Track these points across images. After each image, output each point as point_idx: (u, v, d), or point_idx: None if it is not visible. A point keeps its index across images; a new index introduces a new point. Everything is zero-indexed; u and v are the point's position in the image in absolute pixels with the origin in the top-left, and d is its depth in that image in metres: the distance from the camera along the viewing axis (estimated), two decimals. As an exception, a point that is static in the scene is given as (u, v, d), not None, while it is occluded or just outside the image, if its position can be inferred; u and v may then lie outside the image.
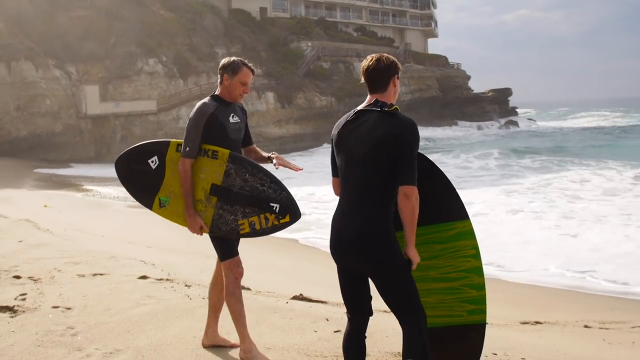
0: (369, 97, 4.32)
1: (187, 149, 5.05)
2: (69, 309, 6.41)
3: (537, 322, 8.49)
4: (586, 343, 7.19)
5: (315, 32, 72.53)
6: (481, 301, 4.50)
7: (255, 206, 4.99)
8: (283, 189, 5.02)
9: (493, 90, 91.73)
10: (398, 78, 4.37)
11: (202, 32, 60.16)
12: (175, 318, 5.86)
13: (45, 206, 18.87)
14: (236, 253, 5.14)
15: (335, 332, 5.45)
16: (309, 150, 57.01)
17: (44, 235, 11.33)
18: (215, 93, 5.32)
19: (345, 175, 4.22)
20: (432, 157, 4.61)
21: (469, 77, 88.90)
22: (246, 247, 14.58)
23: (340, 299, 7.42)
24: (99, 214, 19.14)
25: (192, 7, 61.54)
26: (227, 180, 5.05)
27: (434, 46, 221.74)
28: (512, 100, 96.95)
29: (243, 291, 7.61)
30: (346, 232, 4.06)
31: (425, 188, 4.27)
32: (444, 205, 4.46)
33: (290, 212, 4.97)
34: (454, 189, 4.50)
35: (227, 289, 5.11)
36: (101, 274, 7.88)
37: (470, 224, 4.46)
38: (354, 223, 4.04)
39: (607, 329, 8.61)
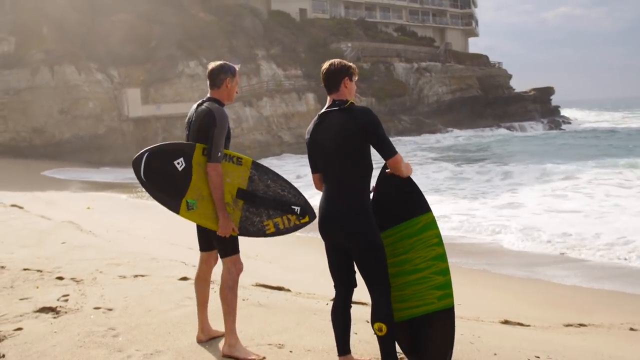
0: (328, 98, 4.99)
1: (219, 154, 5.18)
2: (110, 310, 6.45)
3: (581, 325, 8.36)
4: (632, 346, 7.06)
5: (355, 32, 72.56)
6: (447, 286, 4.81)
7: (279, 209, 5.37)
8: (300, 194, 5.48)
9: (535, 89, 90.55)
10: (351, 80, 4.96)
11: (242, 34, 60.51)
12: (214, 319, 5.86)
13: (89, 208, 19.09)
14: (239, 249, 5.37)
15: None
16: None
17: (86, 237, 11.45)
18: (212, 96, 5.45)
19: (325, 171, 4.91)
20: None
21: (510, 76, 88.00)
22: (286, 249, 14.66)
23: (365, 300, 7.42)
24: (141, 215, 19.30)
25: (232, 9, 61.94)
26: (252, 185, 5.33)
27: (475, 45, 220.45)
28: (555, 99, 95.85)
29: (282, 292, 7.64)
30: (331, 215, 4.78)
31: (390, 192, 4.95)
32: (409, 204, 4.92)
33: (309, 214, 5.44)
34: (415, 185, 4.95)
35: (226, 284, 5.29)
36: (142, 276, 7.92)
37: (432, 214, 4.89)
38: (338, 207, 4.76)
39: None
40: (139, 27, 52.90)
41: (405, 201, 4.89)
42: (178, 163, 5.21)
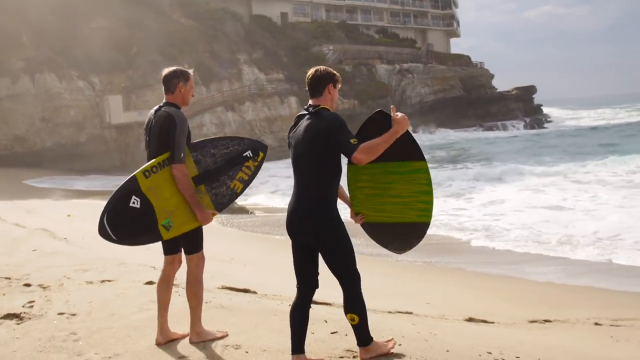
0: (309, 101, 5.23)
1: (182, 155, 5.35)
2: (74, 315, 6.49)
3: (546, 321, 8.45)
4: (592, 340, 7.17)
5: (336, 35, 72.75)
6: (428, 210, 5.24)
7: (235, 165, 5.59)
8: (242, 138, 5.75)
9: (517, 89, 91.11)
10: (335, 87, 5.20)
11: (224, 39, 60.54)
12: (175, 322, 5.90)
13: (69, 215, 19.07)
14: (203, 245, 5.65)
15: (332, 333, 5.48)
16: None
17: (58, 244, 11.48)
18: (168, 101, 5.58)
19: (295, 170, 5.12)
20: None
21: (492, 76, 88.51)
22: (263, 251, 14.71)
23: (339, 302, 7.50)
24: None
25: (213, 14, 61.99)
26: (200, 166, 5.50)
27: (457, 46, 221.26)
28: (538, 98, 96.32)
29: (248, 295, 7.71)
30: (298, 214, 4.99)
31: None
32: (405, 149, 5.15)
33: (260, 149, 5.74)
34: (411, 136, 5.18)
35: (195, 278, 5.55)
36: (109, 281, 7.96)
37: (426, 163, 5.21)
38: (304, 207, 4.97)
39: (618, 326, 8.55)
40: (119, 33, 52.79)
41: (401, 145, 5.06)
42: (133, 202, 5.30)
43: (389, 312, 7.18)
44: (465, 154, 52.50)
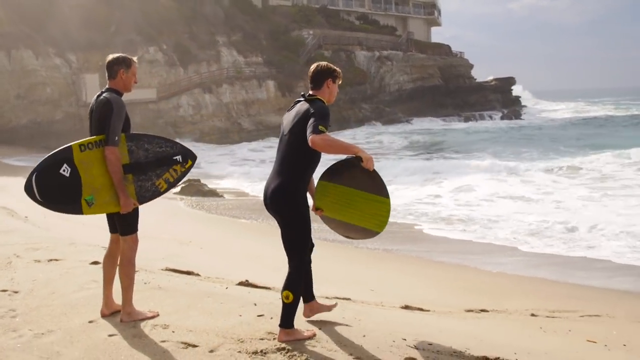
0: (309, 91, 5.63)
1: (116, 138, 5.55)
2: (16, 292, 6.65)
3: (482, 310, 8.70)
4: (517, 331, 7.40)
5: (316, 20, 72.67)
6: (383, 224, 5.58)
7: (164, 165, 5.81)
8: (176, 143, 5.98)
9: (496, 79, 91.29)
10: (334, 82, 5.62)
11: (203, 21, 60.36)
12: (115, 300, 6.08)
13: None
14: (137, 228, 5.80)
15: (258, 316, 5.66)
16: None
17: (16, 223, 11.59)
18: (110, 87, 5.76)
19: (277, 149, 5.54)
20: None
21: (471, 66, 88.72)
22: (224, 234, 14.83)
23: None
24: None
25: (193, -5, 61.70)
26: (132, 156, 5.69)
27: (438, 35, 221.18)
28: (518, 90, 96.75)
29: (189, 277, 7.91)
30: (268, 189, 5.44)
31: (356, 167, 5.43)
32: (375, 186, 5.51)
33: (190, 157, 5.98)
34: (380, 177, 5.53)
35: (128, 260, 5.72)
36: (56, 260, 8.11)
37: (389, 201, 5.53)
38: (272, 184, 5.41)
39: (553, 317, 8.83)
40: (98, 12, 52.46)
41: (373, 182, 5.49)
42: (63, 170, 5.49)
43: (327, 297, 7.38)
44: (443, 144, 52.83)
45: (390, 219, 5.76)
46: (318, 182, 5.82)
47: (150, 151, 5.75)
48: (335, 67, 5.68)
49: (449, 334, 5.94)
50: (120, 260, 5.76)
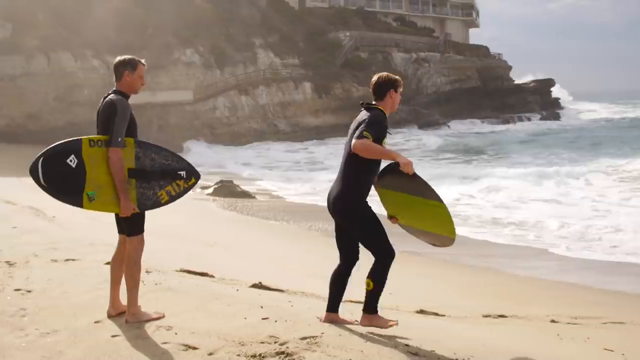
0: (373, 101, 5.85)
1: (120, 139, 5.58)
2: (29, 291, 6.71)
3: (500, 316, 8.57)
4: (532, 337, 7.25)
5: (353, 22, 72.49)
6: (453, 231, 5.79)
7: (167, 178, 5.81)
8: (182, 159, 5.99)
9: (535, 81, 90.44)
10: (396, 92, 5.79)
11: (239, 23, 60.61)
12: (122, 301, 6.10)
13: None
14: (144, 229, 5.84)
15: (263, 319, 5.63)
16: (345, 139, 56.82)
17: (40, 222, 11.70)
18: (116, 88, 5.81)
19: (343, 156, 5.79)
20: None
21: (510, 68, 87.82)
22: (252, 238, 14.82)
23: (300, 288, 7.68)
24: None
25: (229, -3, 61.93)
26: (139, 162, 5.70)
27: (477, 36, 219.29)
28: (558, 92, 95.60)
29: (202, 278, 7.91)
30: (332, 194, 5.74)
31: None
32: (427, 191, 5.71)
33: (194, 175, 5.96)
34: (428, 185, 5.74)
35: (133, 261, 5.76)
36: (73, 260, 8.16)
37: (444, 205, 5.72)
38: (335, 190, 5.72)
39: (574, 324, 8.65)
40: (135, 14, 52.91)
41: (415, 183, 5.68)
42: (70, 160, 5.53)
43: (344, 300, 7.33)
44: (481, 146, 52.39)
45: (379, 208, 5.91)
46: (377, 190, 6.02)
47: (156, 161, 5.76)
48: (396, 77, 5.88)
49: (457, 340, 5.84)
50: (125, 262, 5.78)
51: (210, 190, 26.06)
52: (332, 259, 12.36)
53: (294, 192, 28.55)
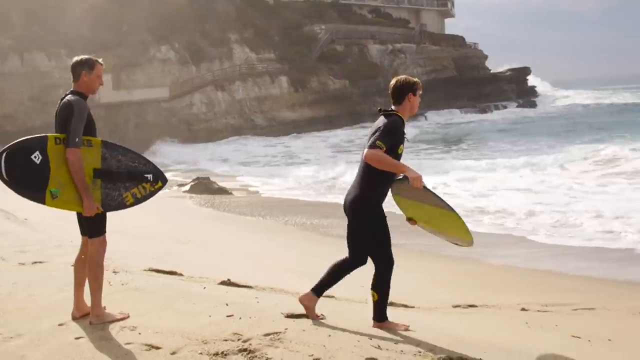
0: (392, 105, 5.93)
1: (77, 139, 5.52)
2: (-6, 296, 6.67)
3: (470, 306, 8.58)
4: (500, 327, 7.28)
5: (329, 15, 72.46)
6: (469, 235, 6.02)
7: (134, 180, 5.78)
8: (149, 162, 5.93)
9: (511, 70, 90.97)
10: (415, 95, 5.84)
11: (214, 18, 60.45)
12: (87, 303, 6.08)
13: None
14: (105, 230, 5.80)
15: (228, 316, 5.63)
16: (322, 133, 56.90)
17: (10, 225, 11.63)
18: (74, 89, 5.76)
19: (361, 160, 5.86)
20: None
21: (486, 57, 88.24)
22: (228, 234, 14.75)
23: (271, 284, 7.69)
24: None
25: (204, -8, 61.72)
26: (105, 163, 5.67)
27: (452, 26, 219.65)
28: (534, 80, 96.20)
29: (168, 277, 7.90)
30: (346, 199, 5.86)
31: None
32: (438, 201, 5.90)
33: (160, 179, 5.92)
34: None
35: (96, 262, 5.73)
36: (41, 262, 8.14)
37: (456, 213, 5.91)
38: (351, 194, 5.81)
39: (545, 311, 8.67)
40: (110, 11, 52.69)
41: (425, 195, 5.87)
42: (35, 157, 5.47)
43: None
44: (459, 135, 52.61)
45: (395, 209, 6.23)
46: (392, 195, 6.15)
47: (123, 163, 5.74)
48: (414, 80, 5.92)
49: (423, 331, 5.85)
50: (87, 263, 5.75)
51: (187, 187, 26.00)
52: (309, 253, 12.46)
53: (271, 188, 28.54)
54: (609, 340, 7.13)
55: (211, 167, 38.58)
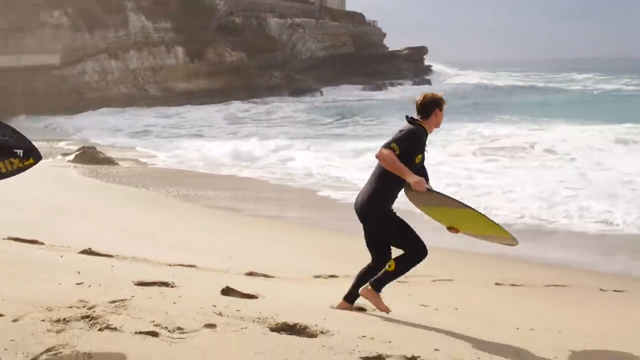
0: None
1: None
2: None
3: (332, 276, 8.75)
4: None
5: (229, -14, 71.60)
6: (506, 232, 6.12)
7: (1, 155, 5.54)
8: (24, 138, 5.67)
9: (409, 49, 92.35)
10: (441, 110, 6.02)
11: (111, -16, 58.95)
12: None
13: None
14: None
15: (77, 284, 5.69)
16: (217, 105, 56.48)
17: None
18: None
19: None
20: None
21: (384, 35, 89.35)
22: (104, 205, 14.53)
23: (136, 254, 7.72)
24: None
25: (101, -43, 60.13)
26: None
27: (354, 3, 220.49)
28: (432, 59, 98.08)
29: (30, 246, 7.87)
30: (357, 200, 6.00)
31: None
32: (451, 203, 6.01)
33: (33, 155, 5.68)
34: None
35: None
36: None
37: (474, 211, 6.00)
38: (363, 195, 5.94)
39: (404, 282, 8.91)
40: (-2, -27, 50.78)
41: (433, 198, 5.97)
42: None
43: (169, 264, 7.47)
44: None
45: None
46: (420, 209, 6.30)
47: None
48: (440, 95, 6.09)
49: (271, 301, 6.07)
50: None
51: (72, 157, 25.51)
52: (184, 224, 12.50)
53: (160, 158, 28.33)
54: (455, 308, 7.51)
55: (101, 137, 37.82)
